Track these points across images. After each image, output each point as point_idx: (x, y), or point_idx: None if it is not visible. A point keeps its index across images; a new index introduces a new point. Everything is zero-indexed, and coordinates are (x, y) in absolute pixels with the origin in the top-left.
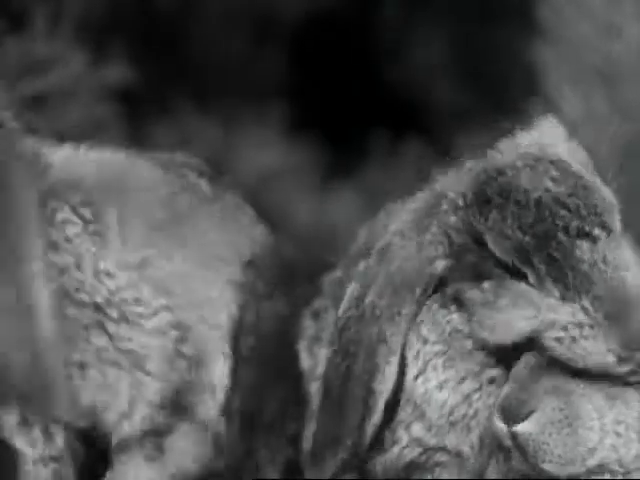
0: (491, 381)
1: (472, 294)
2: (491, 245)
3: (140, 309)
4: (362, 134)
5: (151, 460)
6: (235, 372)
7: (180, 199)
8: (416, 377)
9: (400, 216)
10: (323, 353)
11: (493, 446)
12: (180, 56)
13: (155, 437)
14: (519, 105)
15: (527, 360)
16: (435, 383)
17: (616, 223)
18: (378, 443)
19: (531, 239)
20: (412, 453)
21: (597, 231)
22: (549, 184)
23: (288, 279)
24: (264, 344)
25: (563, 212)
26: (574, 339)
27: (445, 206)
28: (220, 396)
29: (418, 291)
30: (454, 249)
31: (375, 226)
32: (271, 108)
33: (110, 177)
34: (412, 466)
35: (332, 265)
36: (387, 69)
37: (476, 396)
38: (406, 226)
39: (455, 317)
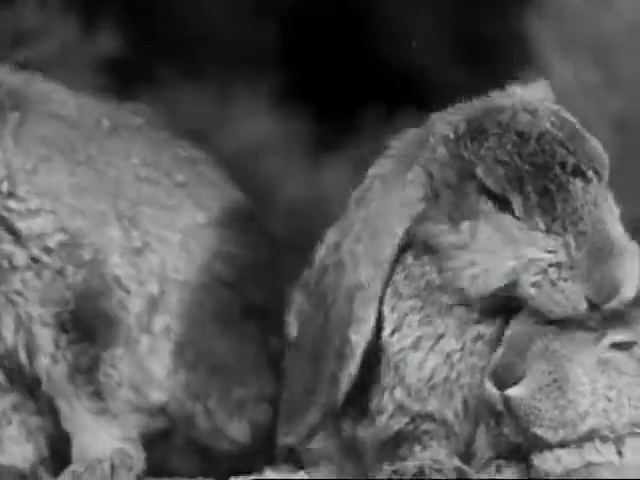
0: (476, 339)
1: (448, 238)
2: (481, 174)
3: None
4: (354, 105)
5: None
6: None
7: (86, 121)
8: (392, 334)
9: (380, 161)
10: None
11: (481, 411)
12: (171, 27)
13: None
14: (512, 76)
15: (521, 321)
16: (410, 341)
17: (606, 175)
18: (364, 412)
19: (530, 167)
20: (399, 423)
21: (591, 174)
22: (549, 126)
23: (273, 251)
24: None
25: (562, 150)
26: (553, 283)
27: (433, 141)
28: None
29: (398, 234)
30: (433, 187)
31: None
32: (263, 79)
33: (30, 91)
34: (401, 436)
35: (321, 236)
36: (380, 41)
37: (457, 356)
38: (386, 170)
39: (429, 269)
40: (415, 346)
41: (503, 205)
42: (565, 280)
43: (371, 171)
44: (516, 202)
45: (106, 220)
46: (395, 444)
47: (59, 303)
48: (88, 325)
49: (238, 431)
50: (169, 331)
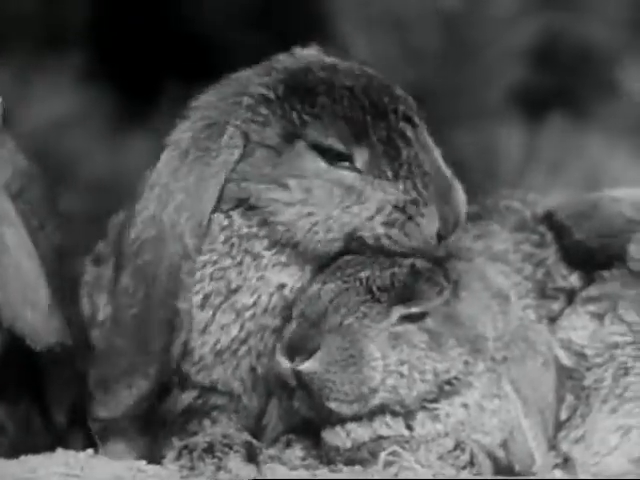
0: (277, 289)
1: (273, 195)
2: (315, 132)
3: None
4: (154, 82)
5: None
6: None
7: None
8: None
9: (186, 126)
10: (103, 299)
11: (273, 384)
12: None
13: None
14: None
15: (325, 291)
16: (199, 299)
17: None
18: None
19: (371, 119)
20: (188, 398)
21: (416, 118)
22: (363, 79)
23: (67, 225)
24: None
25: (387, 99)
26: (410, 217)
27: (249, 101)
28: None
29: (215, 198)
30: (250, 147)
31: None
32: (64, 56)
33: None
34: (190, 410)
35: (117, 210)
36: (183, 17)
37: (249, 313)
38: (201, 136)
39: (239, 220)
40: (202, 305)
41: (339, 159)
42: (422, 215)
43: (176, 136)
44: (361, 155)
45: None
46: (185, 419)
47: None
48: None
49: None
50: None
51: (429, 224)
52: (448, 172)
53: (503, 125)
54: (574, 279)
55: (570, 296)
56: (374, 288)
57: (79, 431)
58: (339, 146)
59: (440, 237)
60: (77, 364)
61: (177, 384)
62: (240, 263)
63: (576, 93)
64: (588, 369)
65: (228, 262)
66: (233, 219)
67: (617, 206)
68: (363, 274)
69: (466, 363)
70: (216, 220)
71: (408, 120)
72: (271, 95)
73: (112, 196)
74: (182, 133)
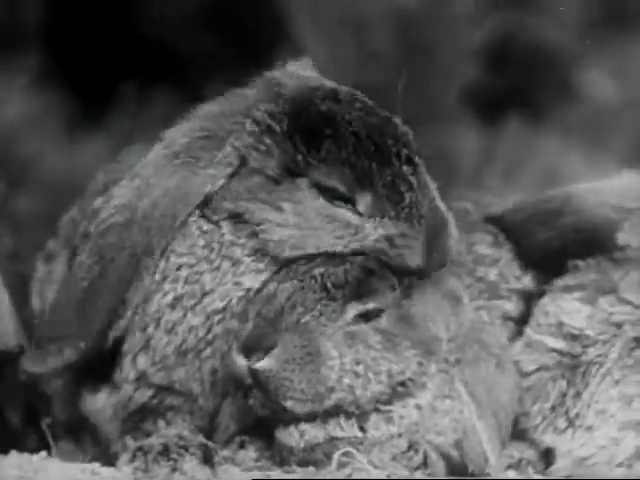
0: (247, 290)
1: (266, 215)
2: (319, 175)
3: None
4: (109, 84)
5: None
6: None
7: None
8: (153, 292)
9: (181, 130)
10: (53, 293)
11: (229, 383)
12: None
13: None
14: (266, 51)
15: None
16: (171, 298)
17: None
18: (107, 377)
19: (375, 164)
20: (143, 396)
21: (417, 159)
22: (361, 114)
23: (20, 227)
24: None
25: (390, 141)
26: (396, 247)
27: (252, 128)
28: None
29: (193, 205)
30: (246, 170)
31: (114, 166)
32: (18, 58)
33: None
34: (145, 410)
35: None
36: (136, 20)
37: (218, 317)
38: (192, 142)
39: (227, 230)
40: (173, 305)
41: (340, 200)
42: (408, 247)
43: (171, 135)
44: (363, 199)
45: None
46: (140, 418)
47: None
48: None
49: None
50: None
51: (412, 257)
52: (443, 209)
53: (459, 126)
54: (527, 280)
55: (524, 297)
56: (329, 285)
57: (33, 432)
58: (342, 190)
59: (422, 272)
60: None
61: (126, 379)
62: (217, 268)
63: (532, 94)
64: (586, 346)
65: (205, 267)
66: (221, 228)
67: (598, 197)
68: (317, 271)
69: (420, 364)
70: (196, 225)
71: (410, 162)
72: (276, 128)
73: (66, 197)
74: (178, 135)
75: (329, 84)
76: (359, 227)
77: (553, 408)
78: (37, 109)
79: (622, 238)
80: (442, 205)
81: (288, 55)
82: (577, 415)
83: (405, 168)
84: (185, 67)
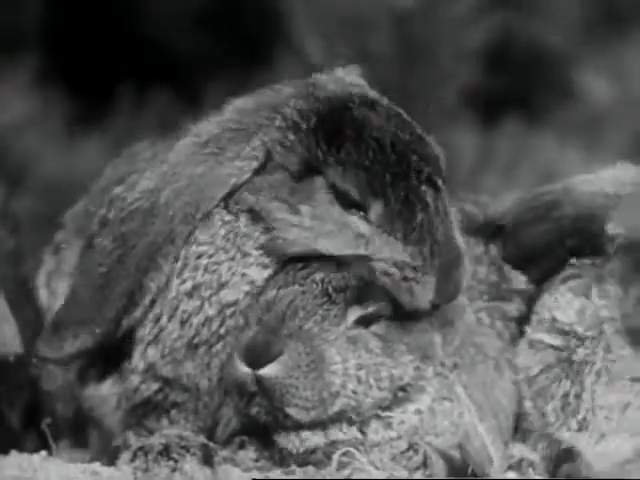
0: (251, 283)
1: (284, 216)
2: (336, 176)
3: None
4: (108, 84)
5: None
6: None
7: None
8: (172, 279)
9: (212, 124)
10: (62, 287)
11: (231, 388)
12: None
13: None
14: (265, 53)
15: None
16: (190, 286)
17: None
18: (115, 366)
19: (390, 176)
20: (149, 390)
21: (440, 182)
22: (394, 128)
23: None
24: None
25: (415, 157)
26: (406, 278)
27: (281, 123)
28: None
29: (219, 197)
30: (272, 165)
31: (120, 163)
32: (19, 59)
33: None
34: (149, 405)
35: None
36: (136, 21)
37: (230, 310)
38: (221, 133)
39: (244, 221)
40: (190, 294)
41: (353, 207)
42: (417, 282)
43: (202, 126)
44: (375, 207)
45: None
46: (143, 412)
47: None
48: None
49: None
50: None
51: (422, 292)
52: (460, 242)
53: (457, 126)
54: (527, 280)
55: (525, 298)
56: (330, 289)
57: (33, 433)
58: (354, 194)
59: (434, 306)
60: (30, 367)
61: (134, 370)
62: (232, 259)
63: (529, 94)
64: (578, 346)
65: (222, 257)
66: (239, 219)
67: (595, 185)
68: (317, 276)
69: (417, 369)
70: (219, 215)
71: (431, 183)
72: (303, 125)
73: (67, 197)
74: (209, 126)
75: (371, 93)
76: (369, 239)
77: (562, 408)
78: (37, 109)
79: (612, 228)
80: (460, 238)
81: (286, 55)
82: (584, 417)
83: (424, 188)
84: (184, 68)
